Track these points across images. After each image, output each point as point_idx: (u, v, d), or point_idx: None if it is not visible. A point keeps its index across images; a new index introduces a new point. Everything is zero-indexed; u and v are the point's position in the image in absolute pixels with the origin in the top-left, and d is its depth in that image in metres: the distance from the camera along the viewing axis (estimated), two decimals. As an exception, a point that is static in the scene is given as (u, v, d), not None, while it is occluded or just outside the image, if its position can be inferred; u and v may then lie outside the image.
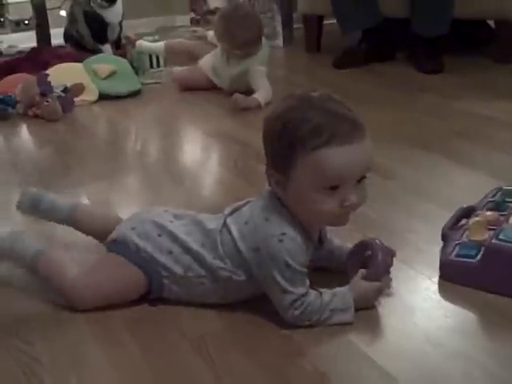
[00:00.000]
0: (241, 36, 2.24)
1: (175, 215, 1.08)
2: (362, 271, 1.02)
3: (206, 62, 2.45)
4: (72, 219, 1.22)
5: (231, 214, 1.03)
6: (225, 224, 1.02)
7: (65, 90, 2.36)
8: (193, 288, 1.02)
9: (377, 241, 1.05)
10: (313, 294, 0.97)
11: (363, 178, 0.95)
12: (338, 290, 1.00)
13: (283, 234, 0.94)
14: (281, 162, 0.94)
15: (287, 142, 0.92)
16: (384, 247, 1.04)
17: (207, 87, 2.43)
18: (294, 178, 0.93)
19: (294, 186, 0.93)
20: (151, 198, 1.51)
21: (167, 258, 1.02)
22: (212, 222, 1.03)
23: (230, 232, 1.00)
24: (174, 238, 1.02)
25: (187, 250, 1.01)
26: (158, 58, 2.73)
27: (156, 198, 1.50)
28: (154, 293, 1.04)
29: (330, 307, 0.97)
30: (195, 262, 1.01)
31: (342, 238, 1.14)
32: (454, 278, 1.08)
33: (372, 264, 1.02)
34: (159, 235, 1.03)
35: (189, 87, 2.45)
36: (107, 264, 1.06)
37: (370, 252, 1.05)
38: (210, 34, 2.55)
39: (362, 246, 1.08)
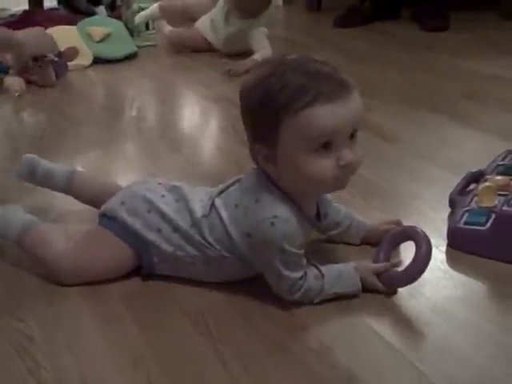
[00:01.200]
0: (252, 3, 2.18)
1: (169, 188, 1.02)
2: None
3: (203, 21, 2.37)
4: (69, 187, 1.18)
5: (219, 194, 0.97)
6: (213, 206, 0.95)
7: (58, 54, 2.29)
8: (184, 267, 0.98)
9: (419, 230, 0.96)
10: (312, 276, 0.92)
11: (354, 133, 0.88)
12: (342, 270, 0.95)
13: (275, 216, 0.87)
14: (266, 132, 0.87)
15: (270, 110, 0.85)
16: (428, 238, 0.94)
17: (201, 48, 2.36)
18: (282, 146, 0.86)
19: (285, 155, 0.87)
20: (148, 166, 1.46)
21: (156, 235, 0.98)
22: (199, 205, 0.97)
23: (220, 217, 0.94)
24: (163, 215, 0.98)
25: (176, 228, 0.97)
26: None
27: (153, 166, 1.45)
28: (144, 269, 1.00)
29: (334, 290, 0.93)
30: (185, 242, 0.96)
31: (344, 205, 1.09)
32: (463, 246, 1.04)
33: (415, 257, 0.93)
34: (148, 211, 0.99)
35: (182, 46, 2.40)
36: (95, 239, 1.02)
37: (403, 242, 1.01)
38: None
39: (398, 237, 1.00)
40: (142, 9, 2.58)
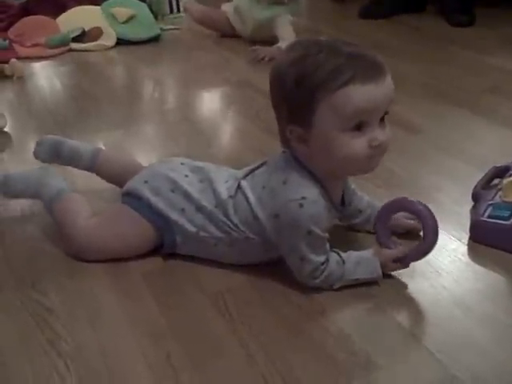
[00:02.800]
0: None
1: (192, 169, 1.02)
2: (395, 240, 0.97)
3: (229, 5, 2.35)
4: (94, 165, 1.19)
5: (245, 176, 0.98)
6: (239, 188, 0.95)
7: (82, 33, 2.30)
8: (206, 248, 0.98)
9: (421, 205, 0.94)
10: (334, 261, 0.93)
11: (384, 115, 0.89)
12: (362, 256, 0.95)
13: (303, 198, 0.88)
14: (301, 113, 0.87)
15: (306, 90, 0.85)
16: (432, 214, 0.92)
17: (223, 30, 2.36)
18: (317, 126, 0.86)
19: (319, 134, 0.86)
20: (169, 147, 1.46)
21: (179, 215, 0.98)
22: (224, 186, 0.97)
23: (246, 198, 0.94)
24: (187, 195, 0.98)
25: (200, 208, 0.97)
26: (177, 2, 2.64)
27: (174, 147, 1.45)
28: (166, 248, 1.00)
29: (354, 277, 0.93)
30: (209, 222, 0.96)
31: (368, 195, 1.09)
32: (485, 239, 1.03)
33: (424, 236, 0.93)
34: (172, 191, 0.99)
35: (202, 22, 2.39)
36: (118, 217, 1.02)
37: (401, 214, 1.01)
38: None
39: (395, 207, 0.98)
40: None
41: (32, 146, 1.23)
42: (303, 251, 0.90)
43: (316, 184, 0.90)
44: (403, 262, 0.94)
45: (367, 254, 0.95)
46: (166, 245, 1.00)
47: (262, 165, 0.98)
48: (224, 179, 0.99)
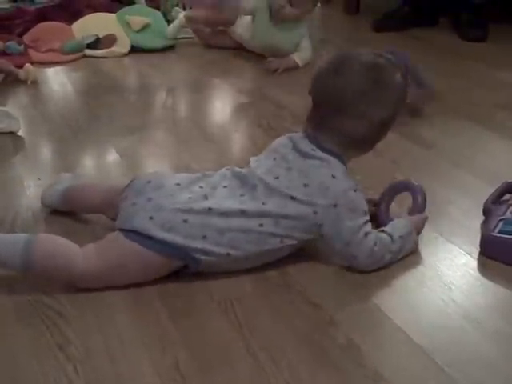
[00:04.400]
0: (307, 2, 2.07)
1: (190, 187, 0.99)
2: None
3: (241, 31, 2.23)
4: (66, 200, 1.14)
5: (265, 177, 0.99)
6: (270, 190, 0.97)
7: (96, 40, 2.32)
8: (235, 263, 0.97)
9: (414, 182, 1.12)
10: (375, 231, 1.02)
11: None
12: (392, 222, 1.06)
13: (356, 185, 1.00)
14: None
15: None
16: (422, 189, 1.10)
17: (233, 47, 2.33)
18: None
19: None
20: (181, 155, 1.47)
21: (203, 242, 0.94)
22: (239, 196, 0.98)
23: (289, 196, 0.96)
24: (202, 221, 0.94)
25: (224, 229, 0.95)
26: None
27: (186, 155, 1.46)
28: (189, 271, 0.97)
29: (399, 234, 1.01)
30: (240, 236, 0.95)
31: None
32: (496, 254, 1.03)
33: (414, 204, 1.09)
34: (185, 221, 0.94)
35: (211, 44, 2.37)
36: (127, 258, 0.94)
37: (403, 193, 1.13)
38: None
39: (398, 187, 1.14)
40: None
41: (46, 150, 1.23)
42: (364, 228, 0.98)
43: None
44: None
45: (394, 221, 1.06)
46: (191, 268, 0.97)
47: (275, 159, 1.02)
48: (229, 182, 1.00)
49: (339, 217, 0.97)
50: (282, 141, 1.05)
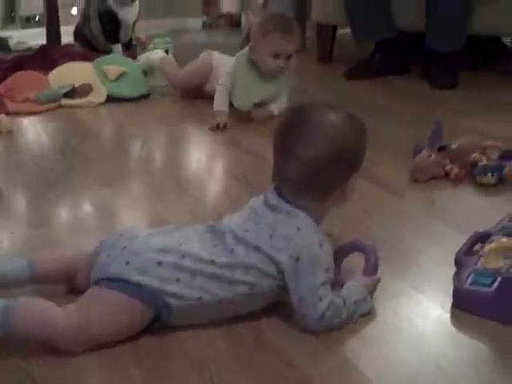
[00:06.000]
0: (291, 47, 2.07)
1: (165, 239, 1.00)
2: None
3: (221, 89, 2.14)
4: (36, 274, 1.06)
5: (235, 229, 1.01)
6: (238, 240, 0.99)
7: (72, 89, 2.33)
8: (206, 309, 0.97)
9: (366, 242, 1.12)
10: (331, 295, 1.00)
11: None
12: (347, 285, 1.04)
13: (321, 239, 0.99)
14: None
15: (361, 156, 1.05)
16: (375, 249, 1.10)
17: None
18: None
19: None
20: (156, 207, 1.47)
21: (177, 286, 0.95)
22: (210, 244, 1.00)
23: (255, 248, 0.98)
24: (175, 264, 0.96)
25: (195, 273, 0.96)
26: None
27: (161, 207, 1.46)
28: (161, 322, 0.97)
29: (353, 299, 1.01)
30: (211, 281, 0.96)
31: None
32: (468, 307, 1.04)
33: (367, 265, 1.08)
34: (159, 264, 0.95)
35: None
36: (106, 307, 0.94)
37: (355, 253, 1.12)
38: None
39: (350, 247, 1.12)
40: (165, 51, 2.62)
41: (20, 202, 1.22)
42: (321, 289, 0.97)
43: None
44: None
45: (348, 283, 1.04)
46: (162, 319, 0.96)
47: (250, 214, 1.03)
48: (202, 235, 1.02)
49: (299, 270, 0.97)
50: (256, 197, 1.07)
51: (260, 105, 2.14)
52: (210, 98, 2.18)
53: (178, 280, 0.95)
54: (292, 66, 2.19)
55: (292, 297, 0.99)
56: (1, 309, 0.91)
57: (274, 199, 1.03)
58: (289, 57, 2.09)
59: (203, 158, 1.91)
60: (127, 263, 0.96)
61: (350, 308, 1.00)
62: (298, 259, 0.97)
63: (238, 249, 0.98)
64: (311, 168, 0.98)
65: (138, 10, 2.96)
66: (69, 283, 1.08)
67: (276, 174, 1.04)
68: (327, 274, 0.98)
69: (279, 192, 1.03)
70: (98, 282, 0.97)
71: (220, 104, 2.10)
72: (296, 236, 0.98)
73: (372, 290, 1.06)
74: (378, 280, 1.07)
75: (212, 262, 0.97)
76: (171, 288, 0.95)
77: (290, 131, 1.02)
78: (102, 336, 0.94)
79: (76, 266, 1.06)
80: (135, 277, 0.94)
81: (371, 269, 1.08)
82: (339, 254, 1.11)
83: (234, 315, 1.00)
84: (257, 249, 0.98)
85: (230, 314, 1.00)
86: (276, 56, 2.06)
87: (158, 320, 0.97)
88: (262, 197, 1.06)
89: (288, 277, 0.98)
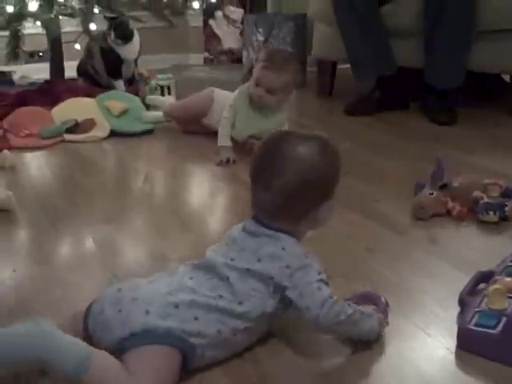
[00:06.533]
0: (272, 79, 2.07)
1: (165, 284, 1.01)
2: None
3: (220, 122, 2.17)
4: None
5: (225, 261, 1.03)
6: (230, 269, 1.01)
7: (75, 125, 2.35)
8: (225, 344, 0.98)
9: (382, 299, 1.11)
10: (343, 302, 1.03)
11: None
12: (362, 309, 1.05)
13: (306, 253, 1.03)
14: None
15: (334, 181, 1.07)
16: (384, 301, 1.11)
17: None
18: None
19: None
20: (158, 244, 1.47)
21: (197, 324, 0.95)
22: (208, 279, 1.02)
23: (247, 270, 1.01)
24: (191, 303, 0.97)
25: (209, 308, 0.97)
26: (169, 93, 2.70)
27: (163, 244, 1.46)
28: (187, 367, 0.96)
29: (359, 309, 1.02)
30: (224, 316, 0.98)
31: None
32: (473, 348, 1.03)
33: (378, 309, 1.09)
34: (176, 306, 0.96)
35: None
36: (153, 362, 0.91)
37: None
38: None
39: (363, 298, 1.12)
40: (161, 86, 2.65)
41: (23, 238, 1.22)
42: (319, 283, 1.00)
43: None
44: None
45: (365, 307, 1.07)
46: (188, 362, 0.95)
47: (225, 246, 1.07)
48: (194, 274, 1.03)
49: (292, 275, 1.00)
50: (233, 227, 1.12)
51: (257, 138, 2.15)
52: (208, 132, 2.22)
53: (196, 318, 0.96)
54: (292, 101, 2.22)
55: (292, 297, 1.00)
56: (75, 364, 0.87)
57: (252, 226, 1.06)
58: (272, 90, 2.08)
59: (204, 194, 1.91)
60: (147, 312, 0.94)
61: (356, 313, 1.01)
62: (288, 266, 1.00)
63: (232, 276, 1.00)
64: (281, 196, 1.03)
65: (138, 47, 3.00)
66: None
67: (253, 203, 1.09)
68: (321, 275, 1.01)
69: (257, 219, 1.07)
70: (122, 342, 0.93)
71: (224, 140, 2.12)
72: (283, 253, 1.02)
73: (381, 322, 1.06)
74: (387, 322, 1.08)
75: (219, 297, 0.99)
76: (193, 327, 0.95)
77: (262, 162, 1.07)
78: None
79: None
80: (161, 323, 0.93)
81: (382, 311, 1.09)
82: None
83: (249, 344, 1.02)
84: (248, 271, 1.01)
85: (245, 344, 1.02)
86: (257, 85, 2.08)
87: (185, 365, 0.96)
88: (240, 225, 1.10)
89: (283, 283, 1.00)
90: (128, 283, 1.03)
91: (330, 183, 1.07)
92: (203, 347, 0.96)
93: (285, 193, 1.02)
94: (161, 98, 2.61)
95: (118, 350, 0.93)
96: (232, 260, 1.03)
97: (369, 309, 1.08)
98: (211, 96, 2.31)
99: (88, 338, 0.97)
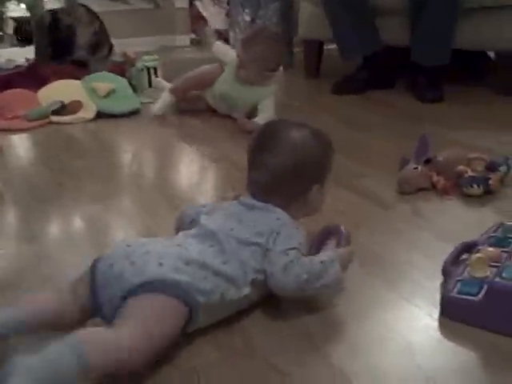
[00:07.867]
0: (276, 59, 2.26)
1: (171, 243, 1.06)
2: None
3: (209, 94, 2.37)
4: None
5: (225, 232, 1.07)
6: (228, 235, 1.06)
7: (61, 106, 2.35)
8: (226, 305, 1.02)
9: (342, 228, 1.18)
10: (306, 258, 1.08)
11: None
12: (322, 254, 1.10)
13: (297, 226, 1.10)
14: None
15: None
16: (348, 236, 1.16)
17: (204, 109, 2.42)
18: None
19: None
20: (146, 223, 1.48)
21: (205, 283, 0.98)
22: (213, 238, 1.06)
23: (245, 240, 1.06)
24: (202, 263, 1.00)
25: (216, 272, 1.01)
26: (156, 76, 2.70)
27: (151, 223, 1.47)
28: (191, 324, 0.98)
29: (319, 260, 1.06)
30: (228, 282, 1.01)
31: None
32: (456, 315, 1.05)
33: (339, 240, 1.16)
34: (187, 263, 0.99)
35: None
36: (157, 310, 0.93)
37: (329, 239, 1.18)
38: (217, 47, 2.46)
39: (326, 233, 1.20)
40: (147, 68, 2.65)
41: (10, 218, 1.23)
42: (288, 251, 1.04)
43: None
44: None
45: (325, 252, 1.12)
46: (193, 319, 0.97)
47: (223, 217, 1.11)
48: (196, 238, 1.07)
49: (276, 238, 1.06)
50: (228, 204, 1.17)
51: (232, 106, 2.25)
52: (209, 111, 2.28)
53: (205, 278, 0.99)
54: (277, 78, 2.26)
55: (264, 263, 1.05)
56: (71, 350, 0.82)
57: (249, 200, 1.13)
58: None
59: (193, 174, 1.92)
60: (160, 264, 0.96)
61: (316, 266, 1.04)
62: (277, 233, 1.06)
63: (233, 245, 1.05)
64: (275, 175, 1.11)
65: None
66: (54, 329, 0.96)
67: (248, 182, 1.15)
68: (299, 245, 1.06)
69: (253, 196, 1.14)
70: (133, 292, 0.93)
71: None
72: (277, 223, 1.08)
73: (345, 259, 1.10)
74: (351, 250, 1.12)
75: (223, 263, 1.02)
76: (202, 285, 0.98)
77: (259, 144, 1.16)
78: (163, 342, 0.93)
79: (62, 309, 0.97)
80: (173, 276, 0.96)
81: (343, 240, 1.14)
82: (315, 242, 1.19)
83: (249, 305, 1.06)
84: (247, 240, 1.06)
85: (246, 306, 1.06)
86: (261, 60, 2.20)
87: (189, 320, 0.97)
88: (235, 202, 1.15)
89: (267, 247, 1.05)
90: (135, 241, 1.06)
91: (322, 169, 1.17)
92: (206, 306, 0.98)
93: (279, 172, 1.11)
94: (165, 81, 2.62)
95: (124, 299, 0.93)
96: (231, 230, 1.07)
97: (329, 247, 1.15)
98: (221, 67, 2.34)
99: (93, 296, 0.96)
